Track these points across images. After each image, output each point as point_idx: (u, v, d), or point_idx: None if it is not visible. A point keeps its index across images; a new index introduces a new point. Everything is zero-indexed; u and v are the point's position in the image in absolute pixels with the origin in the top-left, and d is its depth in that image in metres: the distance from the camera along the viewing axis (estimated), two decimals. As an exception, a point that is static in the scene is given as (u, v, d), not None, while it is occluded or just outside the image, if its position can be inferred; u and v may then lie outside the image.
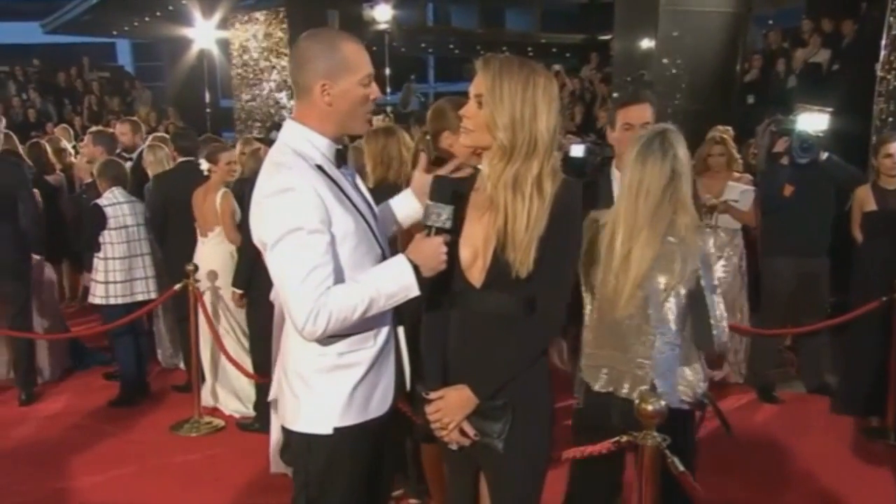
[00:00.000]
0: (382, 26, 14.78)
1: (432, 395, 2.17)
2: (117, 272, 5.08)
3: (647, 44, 9.12)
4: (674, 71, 8.92)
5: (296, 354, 2.18)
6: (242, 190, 4.72)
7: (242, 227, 4.61)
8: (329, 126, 2.15)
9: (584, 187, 2.27)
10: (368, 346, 2.17)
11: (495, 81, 2.03)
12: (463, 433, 2.15)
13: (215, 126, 15.70)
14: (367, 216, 2.19)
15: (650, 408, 2.01)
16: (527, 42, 23.42)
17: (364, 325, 2.12)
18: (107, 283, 5.07)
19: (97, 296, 5.10)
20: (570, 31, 21.12)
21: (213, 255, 5.01)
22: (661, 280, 2.41)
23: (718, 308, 2.47)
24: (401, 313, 2.28)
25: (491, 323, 2.13)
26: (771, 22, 14.56)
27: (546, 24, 23.48)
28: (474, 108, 2.08)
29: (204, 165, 4.97)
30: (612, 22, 10.11)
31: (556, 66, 14.52)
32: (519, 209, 2.03)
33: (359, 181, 2.30)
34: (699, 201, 5.15)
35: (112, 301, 5.09)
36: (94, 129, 5.98)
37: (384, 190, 3.52)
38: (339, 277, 2.04)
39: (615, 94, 9.59)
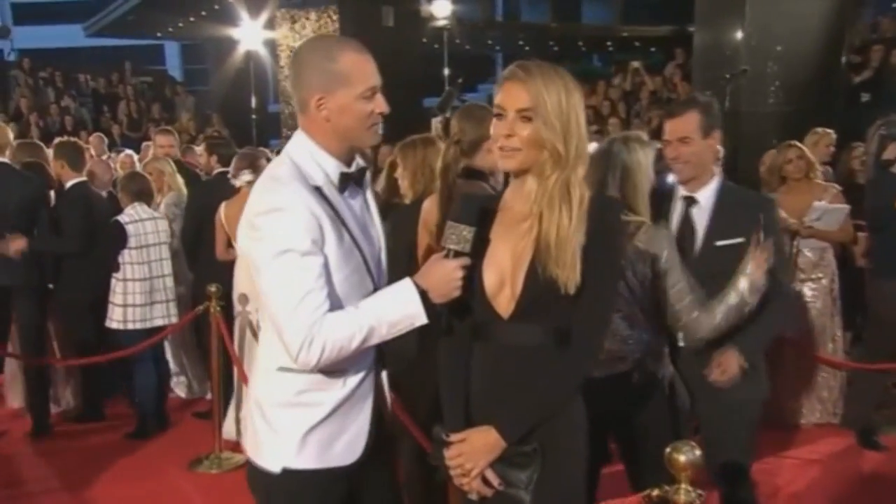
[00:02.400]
0: (441, 23, 14.87)
1: (453, 438, 2.14)
2: (136, 294, 5.20)
3: (733, 35, 8.91)
4: (765, 66, 8.69)
5: (258, 382, 2.25)
6: None
7: None
8: (334, 143, 2.17)
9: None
10: (335, 389, 2.17)
11: (540, 91, 2.03)
12: (486, 482, 2.12)
13: (262, 133, 16.02)
14: (364, 248, 2.20)
15: (682, 458, 1.94)
16: (606, 36, 23.28)
17: (334, 365, 2.11)
18: (125, 306, 5.20)
19: (114, 320, 5.23)
20: (654, 24, 20.83)
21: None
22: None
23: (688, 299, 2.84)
24: (384, 357, 2.28)
25: (520, 357, 2.10)
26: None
27: (628, 16, 23.26)
28: (521, 126, 2.05)
29: (246, 177, 4.93)
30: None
31: (635, 63, 14.34)
32: (564, 218, 2.03)
33: (371, 208, 2.32)
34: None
35: (130, 326, 5.21)
36: (57, 140, 6.07)
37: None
38: (333, 303, 2.07)
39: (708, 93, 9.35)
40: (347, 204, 2.19)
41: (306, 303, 2.01)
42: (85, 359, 5.40)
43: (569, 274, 2.00)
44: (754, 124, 8.75)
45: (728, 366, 3.00)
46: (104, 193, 5.94)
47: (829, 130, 6.36)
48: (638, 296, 2.87)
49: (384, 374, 2.29)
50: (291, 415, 2.16)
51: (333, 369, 2.13)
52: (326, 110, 2.13)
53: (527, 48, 23.67)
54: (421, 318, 2.08)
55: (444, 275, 2.07)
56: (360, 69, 2.13)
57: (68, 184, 5.54)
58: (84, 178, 5.63)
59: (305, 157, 2.16)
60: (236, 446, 5.10)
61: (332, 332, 2.02)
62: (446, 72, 14.22)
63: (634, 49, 22.78)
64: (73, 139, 6.10)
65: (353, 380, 2.19)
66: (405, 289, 2.08)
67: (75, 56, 26.05)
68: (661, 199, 3.22)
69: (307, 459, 2.17)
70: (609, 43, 23.77)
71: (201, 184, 5.88)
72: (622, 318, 2.84)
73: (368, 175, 2.36)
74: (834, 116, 8.63)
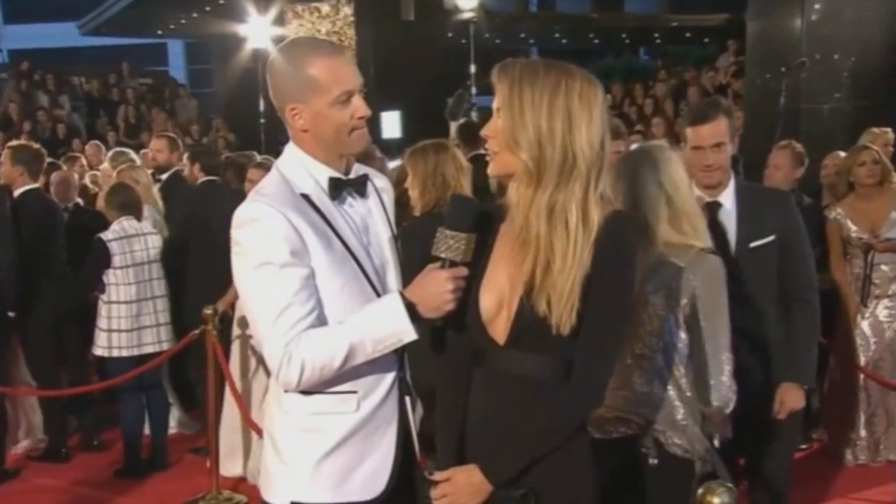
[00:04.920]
0: (467, 15, 14.90)
1: (437, 476, 2.12)
2: (122, 319, 5.19)
3: (792, 23, 8.82)
4: (830, 57, 8.59)
5: (270, 410, 2.30)
6: None
7: None
8: (319, 151, 2.24)
9: None
10: (348, 412, 2.19)
11: (513, 89, 2.02)
12: None
13: (271, 138, 16.07)
14: (362, 257, 2.23)
15: (717, 501, 1.92)
16: (653, 26, 23.24)
17: (350, 385, 2.17)
18: (110, 331, 5.18)
19: (99, 346, 5.22)
20: (707, 12, 20.75)
21: None
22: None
23: (720, 358, 2.65)
24: (407, 382, 2.30)
25: (518, 389, 2.08)
26: None
27: (677, 4, 23.19)
28: (496, 125, 2.05)
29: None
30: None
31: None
32: (558, 245, 1.99)
33: (376, 217, 2.34)
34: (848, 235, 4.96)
35: (116, 353, 5.20)
36: (12, 143, 6.03)
37: (438, 219, 3.48)
38: (321, 317, 2.13)
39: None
40: (342, 211, 2.25)
41: (283, 319, 2.08)
42: (70, 389, 5.41)
43: (562, 310, 1.97)
44: (817, 123, 8.64)
45: (794, 402, 3.27)
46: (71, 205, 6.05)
47: (886, 129, 6.29)
48: (665, 341, 2.68)
49: (409, 401, 2.30)
50: (302, 441, 2.20)
51: (349, 389, 2.18)
52: (302, 120, 2.20)
53: (564, 41, 23.69)
54: (409, 335, 2.10)
55: (435, 287, 2.08)
56: (330, 73, 2.17)
57: (19, 191, 5.50)
58: (38, 185, 5.62)
59: (294, 166, 2.24)
60: (237, 484, 5.14)
61: (311, 349, 2.07)
62: (473, 69, 14.23)
63: (685, 41, 22.70)
64: (30, 143, 6.06)
65: (368, 403, 2.21)
66: (391, 302, 2.12)
67: (70, 57, 26.45)
68: None
69: (320, 492, 2.19)
70: (656, 34, 23.70)
71: (186, 194, 5.95)
72: (640, 368, 2.65)
73: (383, 184, 2.43)
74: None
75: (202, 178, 5.93)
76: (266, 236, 2.10)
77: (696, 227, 2.72)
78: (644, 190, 2.71)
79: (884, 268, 5.14)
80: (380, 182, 2.44)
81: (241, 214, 2.16)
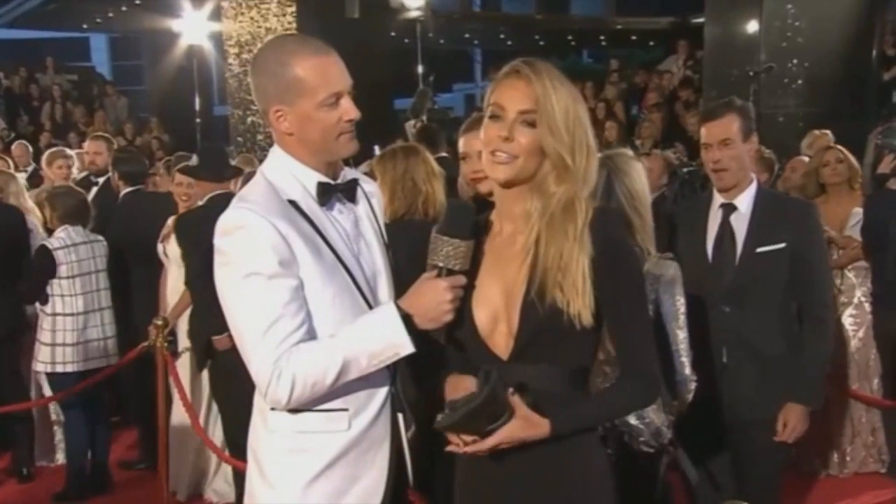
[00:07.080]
0: (414, 14, 14.89)
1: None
2: (68, 332, 5.07)
3: (749, 27, 9.00)
4: (786, 63, 8.77)
5: (255, 430, 2.26)
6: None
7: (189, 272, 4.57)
8: (306, 156, 2.20)
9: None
10: (340, 430, 2.16)
11: (548, 93, 2.01)
12: None
13: (207, 139, 15.84)
14: (352, 266, 2.20)
15: None
16: (598, 29, 23.49)
17: (340, 401, 2.13)
18: (54, 345, 5.06)
19: (40, 360, 5.10)
20: (653, 15, 21.08)
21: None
22: None
23: (682, 356, 2.93)
24: (399, 398, 2.27)
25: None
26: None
27: (622, 7, 23.51)
28: (522, 130, 2.02)
29: None
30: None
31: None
32: (571, 239, 1.99)
33: (365, 223, 2.31)
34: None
35: (59, 369, 5.07)
36: None
37: (409, 227, 3.44)
38: (311, 330, 2.09)
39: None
40: (331, 218, 2.22)
41: (272, 333, 2.05)
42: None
43: (577, 302, 1.96)
44: (775, 128, 8.83)
45: (797, 424, 3.27)
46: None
47: (826, 132, 6.51)
48: None
49: (402, 418, 2.27)
50: (290, 463, 2.16)
51: (334, 408, 2.14)
52: (287, 123, 2.16)
53: (509, 42, 23.82)
54: (406, 347, 2.08)
55: (433, 296, 2.05)
56: (318, 74, 2.13)
57: None
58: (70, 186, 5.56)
59: (280, 171, 2.21)
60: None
61: (302, 365, 2.04)
62: (420, 69, 14.23)
63: (630, 43, 23.02)
64: None
65: (360, 421, 2.18)
66: (387, 313, 2.09)
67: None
68: (695, 209, 3.53)
69: None
70: (602, 37, 23.97)
71: (115, 209, 5.89)
72: (603, 372, 2.70)
73: (372, 188, 2.41)
74: (865, 118, 8.71)
75: (125, 190, 5.85)
76: (252, 245, 2.06)
77: (650, 233, 2.96)
78: (614, 198, 2.90)
79: (849, 275, 5.23)
80: (368, 187, 2.41)
81: (225, 222, 2.11)
